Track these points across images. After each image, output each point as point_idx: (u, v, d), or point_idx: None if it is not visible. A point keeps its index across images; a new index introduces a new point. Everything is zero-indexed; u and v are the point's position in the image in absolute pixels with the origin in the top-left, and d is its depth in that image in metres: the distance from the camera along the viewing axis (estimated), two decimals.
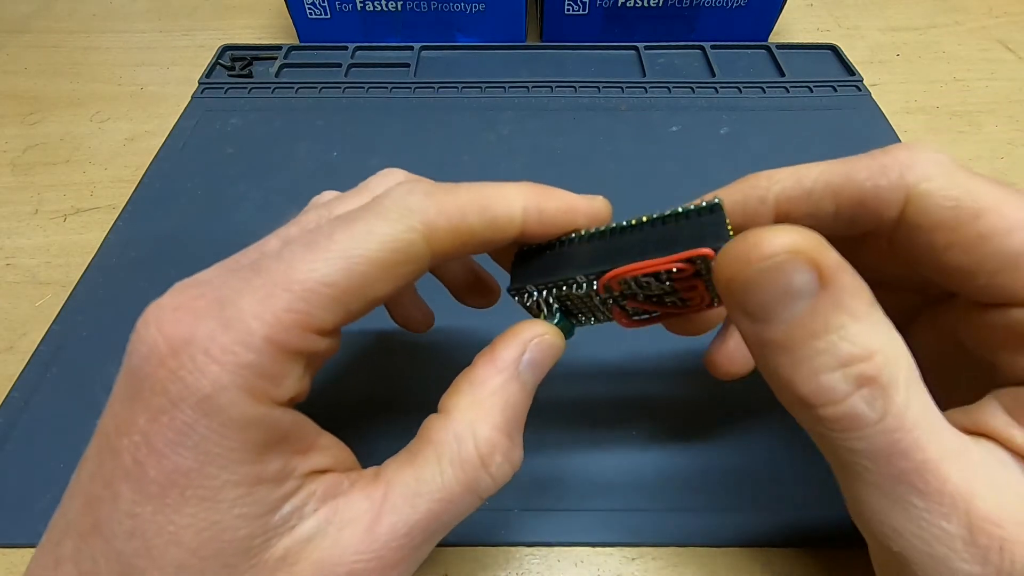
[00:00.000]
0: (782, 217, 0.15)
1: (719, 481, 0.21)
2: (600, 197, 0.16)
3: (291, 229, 0.15)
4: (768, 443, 0.22)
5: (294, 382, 0.13)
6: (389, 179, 0.16)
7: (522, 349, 0.14)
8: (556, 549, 0.20)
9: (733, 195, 0.15)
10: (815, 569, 0.19)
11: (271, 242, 0.14)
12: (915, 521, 0.12)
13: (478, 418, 0.14)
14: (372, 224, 0.13)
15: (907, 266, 0.14)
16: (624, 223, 0.15)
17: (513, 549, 0.20)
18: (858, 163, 0.14)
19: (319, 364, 0.14)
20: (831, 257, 0.12)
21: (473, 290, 0.18)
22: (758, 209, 0.15)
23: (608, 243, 0.15)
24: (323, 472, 0.14)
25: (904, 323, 0.14)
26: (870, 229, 0.14)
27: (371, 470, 0.14)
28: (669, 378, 0.24)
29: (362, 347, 0.25)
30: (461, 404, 0.14)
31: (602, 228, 0.15)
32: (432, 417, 0.15)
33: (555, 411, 0.23)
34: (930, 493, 0.12)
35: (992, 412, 0.13)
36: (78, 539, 0.12)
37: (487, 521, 0.20)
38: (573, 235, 0.15)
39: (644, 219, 0.14)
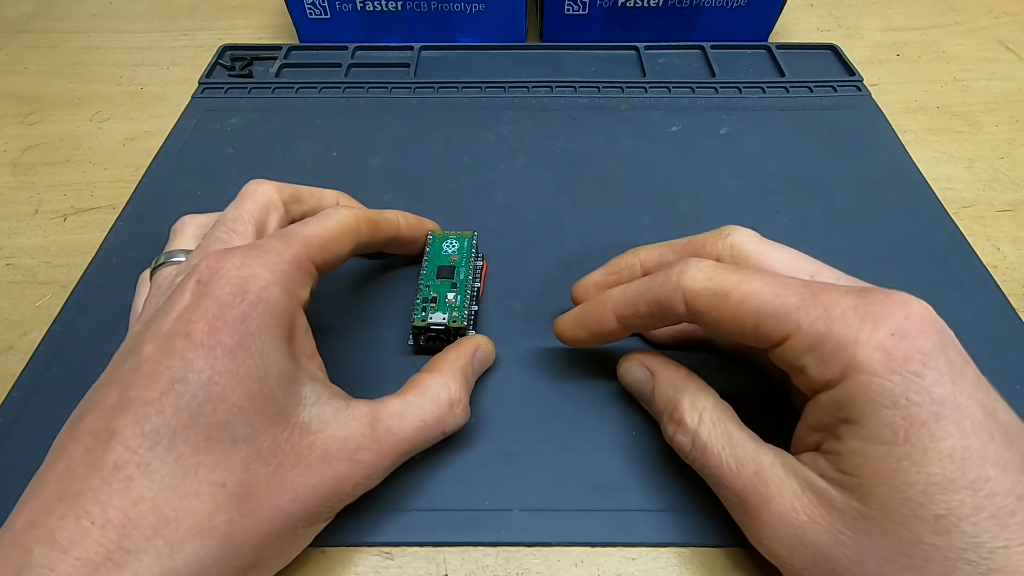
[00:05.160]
0: (620, 319, 0.20)
1: None
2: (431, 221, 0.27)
3: (219, 234, 0.20)
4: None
5: (306, 292, 0.19)
6: (264, 186, 0.22)
7: (475, 348, 0.22)
8: (556, 549, 0.20)
9: (590, 309, 0.21)
10: None
11: (222, 235, 0.20)
12: (730, 509, 0.18)
13: (452, 379, 0.20)
14: (334, 216, 0.21)
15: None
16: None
17: (513, 549, 0.20)
18: (656, 277, 0.19)
19: (312, 292, 0.20)
20: (654, 360, 0.22)
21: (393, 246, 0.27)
22: (603, 316, 0.21)
23: None
24: (323, 380, 0.19)
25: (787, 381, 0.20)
26: (677, 320, 0.19)
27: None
28: None
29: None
30: (444, 369, 0.21)
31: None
32: (421, 373, 0.21)
33: (555, 411, 0.23)
34: (730, 488, 0.18)
35: (801, 427, 0.18)
36: (143, 406, 0.15)
37: (487, 521, 0.20)
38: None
39: None
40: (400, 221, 0.25)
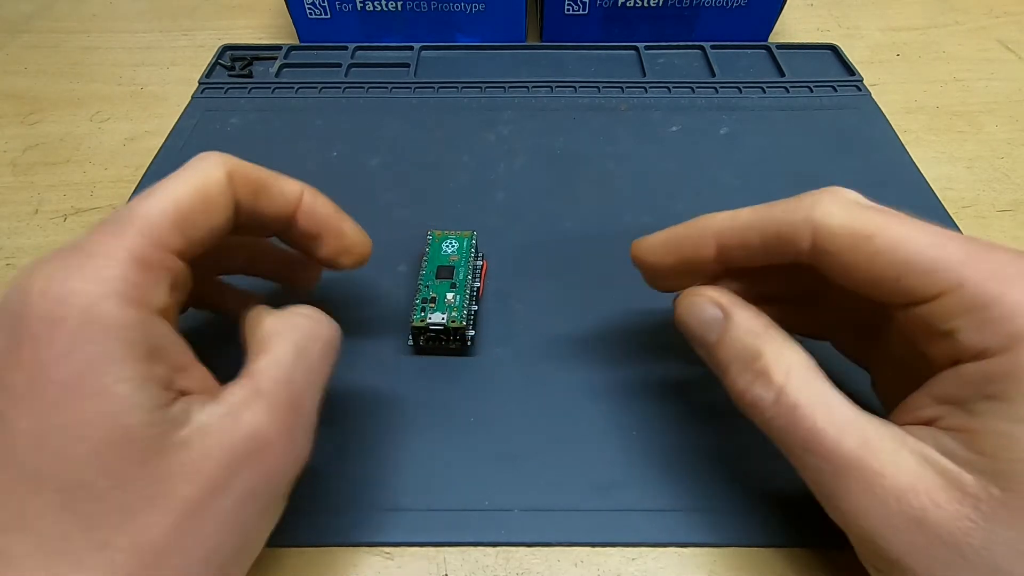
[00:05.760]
0: (721, 248, 0.18)
1: (719, 481, 0.21)
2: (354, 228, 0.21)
3: None
4: (769, 444, 0.22)
5: (162, 294, 0.15)
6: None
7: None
8: (556, 549, 0.20)
9: (686, 231, 0.19)
10: (815, 569, 0.19)
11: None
12: (816, 479, 0.16)
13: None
14: (190, 171, 0.17)
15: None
16: None
17: (513, 549, 0.20)
18: (777, 206, 0.17)
19: (182, 291, 0.16)
20: (730, 299, 0.18)
21: (296, 270, 0.23)
22: (701, 242, 0.18)
23: None
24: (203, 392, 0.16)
25: (872, 335, 0.19)
26: (792, 258, 0.17)
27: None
28: (671, 379, 0.24)
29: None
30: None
31: None
32: (255, 332, 0.17)
33: (554, 411, 0.23)
34: (826, 457, 0.15)
35: (918, 397, 0.16)
36: None
37: (487, 521, 0.20)
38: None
39: None
40: (304, 197, 0.19)
